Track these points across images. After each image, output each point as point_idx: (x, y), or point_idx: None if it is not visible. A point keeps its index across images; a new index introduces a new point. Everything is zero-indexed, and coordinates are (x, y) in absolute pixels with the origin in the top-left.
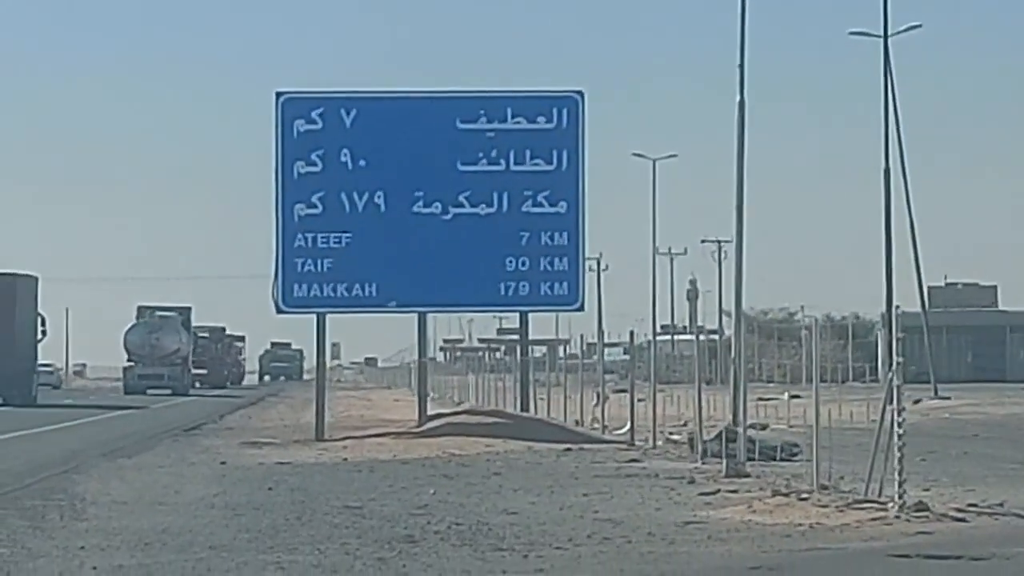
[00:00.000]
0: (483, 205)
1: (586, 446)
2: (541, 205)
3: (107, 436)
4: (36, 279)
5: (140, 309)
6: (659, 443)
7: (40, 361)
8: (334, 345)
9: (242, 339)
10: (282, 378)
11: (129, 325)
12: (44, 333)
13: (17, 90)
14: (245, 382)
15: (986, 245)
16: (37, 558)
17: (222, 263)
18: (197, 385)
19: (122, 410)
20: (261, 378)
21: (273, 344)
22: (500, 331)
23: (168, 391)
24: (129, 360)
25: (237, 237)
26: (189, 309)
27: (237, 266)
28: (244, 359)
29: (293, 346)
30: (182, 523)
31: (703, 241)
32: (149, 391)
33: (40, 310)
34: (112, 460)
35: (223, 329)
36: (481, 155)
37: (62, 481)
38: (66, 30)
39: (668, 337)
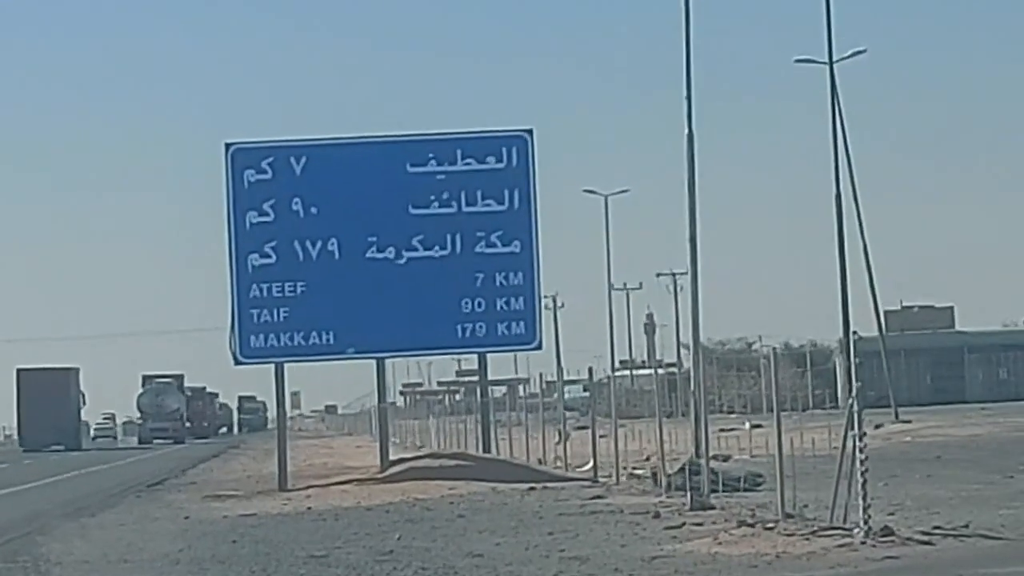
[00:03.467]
0: (437, 248)
1: (550, 485)
2: (495, 245)
3: (96, 487)
4: (78, 369)
5: (145, 377)
6: (622, 479)
7: (99, 421)
8: (294, 394)
9: (217, 395)
10: (245, 430)
11: (140, 391)
12: (85, 402)
13: None
14: (221, 432)
15: (940, 267)
16: None
17: (181, 316)
18: None
19: (139, 453)
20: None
21: (240, 398)
22: (459, 373)
23: (171, 440)
24: (140, 417)
25: (194, 289)
26: (182, 376)
27: (197, 319)
28: (220, 412)
29: (257, 398)
30: None
31: (658, 275)
32: (155, 440)
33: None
34: (75, 519)
35: (204, 388)
36: (432, 198)
37: (26, 543)
38: (22, 78)
39: (627, 372)
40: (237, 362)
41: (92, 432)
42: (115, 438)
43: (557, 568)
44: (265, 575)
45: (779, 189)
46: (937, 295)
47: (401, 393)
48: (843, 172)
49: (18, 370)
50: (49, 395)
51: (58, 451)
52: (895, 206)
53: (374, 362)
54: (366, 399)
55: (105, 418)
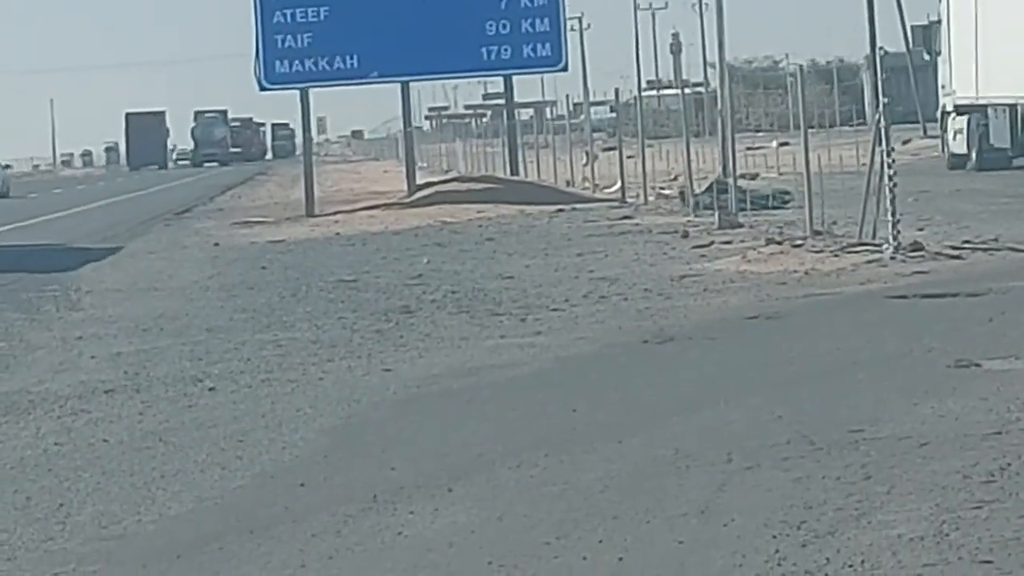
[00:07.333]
0: None
1: (578, 206)
2: None
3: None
4: (166, 112)
5: (196, 113)
6: (650, 199)
7: (180, 149)
8: (320, 119)
9: (263, 124)
10: (280, 155)
11: (192, 124)
12: (169, 134)
13: None
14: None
15: None
16: (36, 350)
17: (211, 44)
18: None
19: (189, 177)
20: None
21: (273, 126)
22: (486, 96)
23: (218, 163)
24: (195, 146)
25: (219, 17)
26: (226, 111)
27: (225, 46)
28: (263, 140)
29: (290, 125)
30: (178, 307)
31: None
32: (205, 164)
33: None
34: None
35: (251, 119)
36: None
37: (57, 272)
38: None
39: (654, 92)
40: (262, 88)
41: (174, 156)
42: (187, 159)
43: (587, 288)
44: (295, 300)
45: None
46: None
47: (427, 118)
48: None
49: (126, 114)
50: (147, 131)
51: (152, 170)
52: None
53: (399, 86)
54: (392, 124)
55: (183, 149)
